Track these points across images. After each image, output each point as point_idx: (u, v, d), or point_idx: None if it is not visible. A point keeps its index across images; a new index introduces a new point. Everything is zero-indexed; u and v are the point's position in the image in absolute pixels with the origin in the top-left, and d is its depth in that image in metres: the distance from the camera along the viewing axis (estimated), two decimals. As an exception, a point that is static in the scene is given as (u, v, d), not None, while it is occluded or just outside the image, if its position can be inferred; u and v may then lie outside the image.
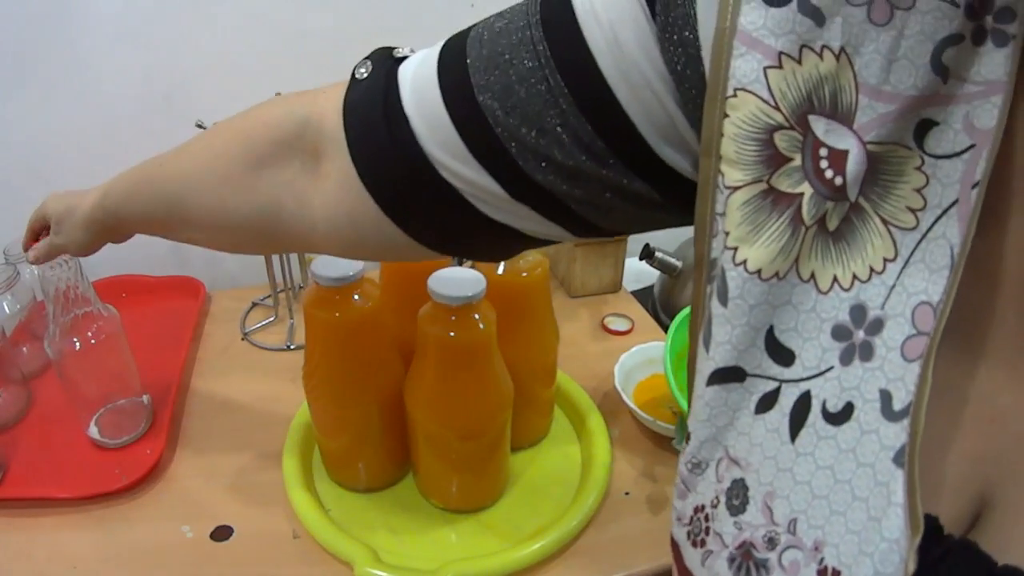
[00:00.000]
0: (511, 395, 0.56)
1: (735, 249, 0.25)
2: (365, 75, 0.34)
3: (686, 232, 0.97)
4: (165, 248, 0.96)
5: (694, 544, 0.28)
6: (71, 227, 0.50)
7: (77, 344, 0.60)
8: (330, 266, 0.52)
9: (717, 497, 0.27)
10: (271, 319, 0.88)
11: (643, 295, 0.99)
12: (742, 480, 0.26)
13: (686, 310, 0.66)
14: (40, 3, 0.76)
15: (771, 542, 0.25)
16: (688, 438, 0.28)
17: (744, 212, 0.25)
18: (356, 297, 0.53)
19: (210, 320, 0.88)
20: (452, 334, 0.51)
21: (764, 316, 0.25)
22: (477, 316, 0.51)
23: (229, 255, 0.98)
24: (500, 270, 0.58)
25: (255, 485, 0.62)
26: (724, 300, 0.25)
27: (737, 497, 0.26)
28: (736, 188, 0.25)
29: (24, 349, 0.75)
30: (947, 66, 0.23)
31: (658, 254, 0.91)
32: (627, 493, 0.63)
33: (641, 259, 0.92)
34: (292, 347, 0.83)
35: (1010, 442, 0.24)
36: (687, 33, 0.26)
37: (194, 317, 0.86)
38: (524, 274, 0.59)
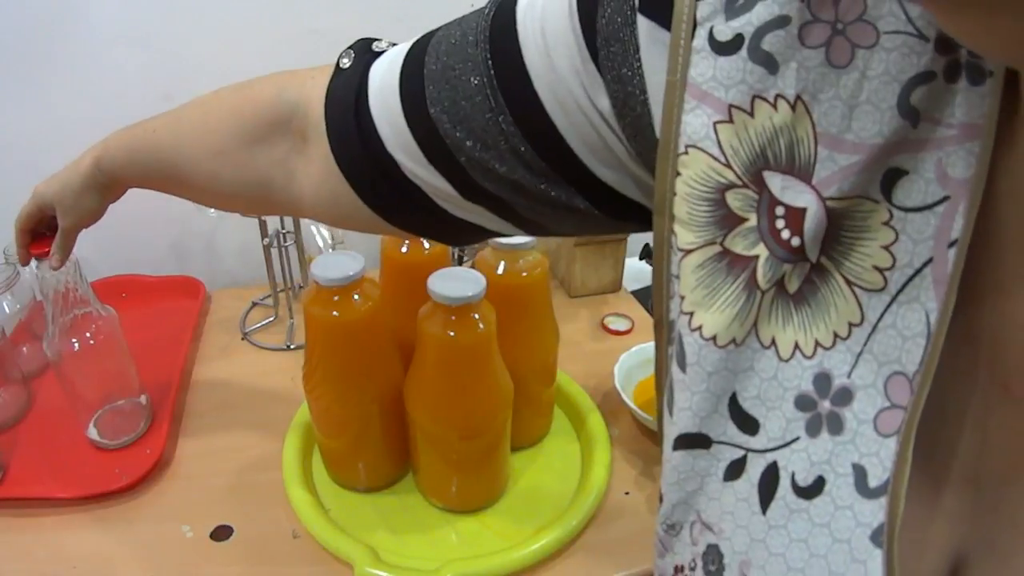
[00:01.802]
0: (511, 395, 0.56)
1: (691, 314, 0.24)
2: (347, 65, 0.35)
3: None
4: (165, 248, 0.96)
5: None
6: (73, 199, 0.50)
7: (76, 345, 0.60)
8: (330, 266, 0.52)
9: (694, 560, 0.27)
10: (271, 319, 0.88)
11: (643, 295, 0.99)
12: (716, 546, 0.25)
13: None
14: (41, 3, 0.76)
15: None
16: (661, 499, 0.28)
17: (698, 276, 0.24)
18: (356, 297, 0.53)
19: (210, 320, 0.88)
20: (452, 334, 0.50)
21: (724, 383, 0.24)
22: (477, 316, 0.51)
23: (229, 254, 0.99)
24: (500, 270, 0.58)
25: (255, 485, 0.62)
26: (683, 366, 0.25)
27: (713, 563, 0.26)
28: (689, 251, 0.24)
29: (24, 349, 0.75)
30: (917, 108, 0.20)
31: (658, 254, 0.91)
32: (627, 493, 0.62)
33: (641, 259, 0.92)
34: (292, 347, 0.83)
35: (984, 507, 0.23)
36: (625, 70, 0.26)
37: (194, 317, 0.85)
38: (524, 274, 0.59)
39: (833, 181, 0.22)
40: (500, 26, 0.29)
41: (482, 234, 0.36)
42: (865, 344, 0.22)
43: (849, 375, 0.22)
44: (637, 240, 0.92)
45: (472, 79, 0.30)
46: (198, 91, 0.91)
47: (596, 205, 0.31)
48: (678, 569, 0.28)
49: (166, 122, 0.44)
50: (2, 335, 0.68)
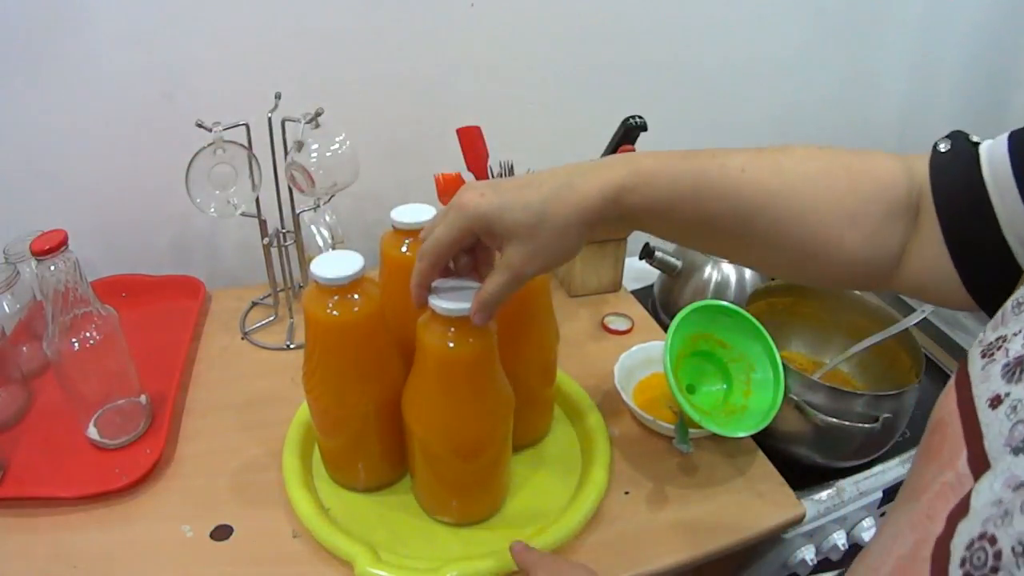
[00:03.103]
0: (512, 405, 0.55)
1: None
2: (946, 150, 0.41)
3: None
4: (165, 247, 0.96)
5: (983, 356, 0.31)
6: (551, 235, 0.41)
7: (76, 345, 0.60)
8: (330, 266, 0.52)
9: (1020, 330, 0.30)
10: (271, 319, 0.88)
11: (643, 295, 0.99)
12: None
13: (686, 309, 0.66)
14: (42, 3, 0.76)
15: None
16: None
17: None
18: (356, 297, 0.53)
19: (210, 320, 0.88)
20: (451, 345, 0.49)
21: None
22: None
23: (229, 254, 0.99)
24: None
25: (255, 485, 0.62)
26: None
27: None
28: None
29: (24, 349, 0.75)
30: None
31: (658, 254, 0.91)
32: (627, 493, 0.63)
33: (641, 259, 0.91)
34: (292, 347, 0.83)
35: None
36: None
37: (194, 317, 0.85)
38: (524, 274, 0.59)
39: None
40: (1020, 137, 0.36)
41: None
42: None
43: None
44: (637, 240, 0.92)
45: None
46: (198, 91, 0.90)
47: None
48: (1001, 339, 0.31)
49: (753, 166, 0.41)
50: (2, 335, 0.68)
